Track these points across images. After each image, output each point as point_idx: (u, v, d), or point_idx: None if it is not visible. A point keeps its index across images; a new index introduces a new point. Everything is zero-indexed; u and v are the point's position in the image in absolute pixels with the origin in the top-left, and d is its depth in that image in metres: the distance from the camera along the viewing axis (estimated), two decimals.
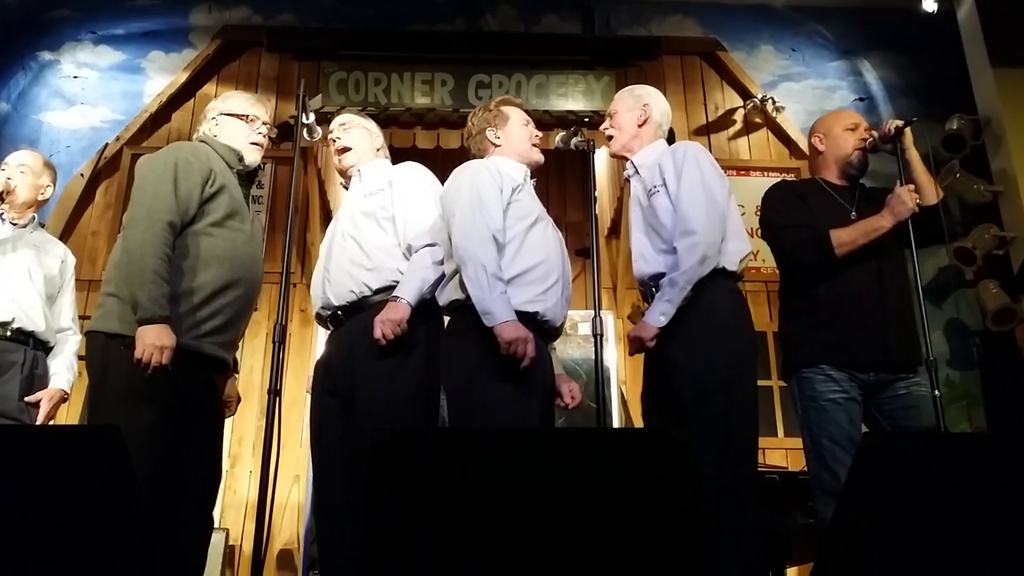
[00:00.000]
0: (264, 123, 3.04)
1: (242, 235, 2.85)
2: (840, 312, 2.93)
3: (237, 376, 3.02)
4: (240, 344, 3.00)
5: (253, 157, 2.99)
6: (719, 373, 2.64)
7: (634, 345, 2.79)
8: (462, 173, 2.89)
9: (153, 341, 2.49)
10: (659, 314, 2.72)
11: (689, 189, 2.79)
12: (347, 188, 3.27)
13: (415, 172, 3.13)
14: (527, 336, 2.58)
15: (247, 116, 3.00)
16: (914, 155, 3.00)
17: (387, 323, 2.75)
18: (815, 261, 2.98)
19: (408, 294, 2.82)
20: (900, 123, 2.99)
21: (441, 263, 2.90)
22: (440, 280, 2.90)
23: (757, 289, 5.61)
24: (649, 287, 2.91)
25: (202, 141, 2.96)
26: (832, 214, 3.02)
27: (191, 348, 2.65)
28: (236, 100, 3.06)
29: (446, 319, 2.96)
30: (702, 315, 2.70)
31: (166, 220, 2.65)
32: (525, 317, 2.68)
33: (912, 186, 2.93)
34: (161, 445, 2.56)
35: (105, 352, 2.62)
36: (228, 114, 2.99)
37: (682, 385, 2.68)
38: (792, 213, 3.08)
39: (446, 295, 2.85)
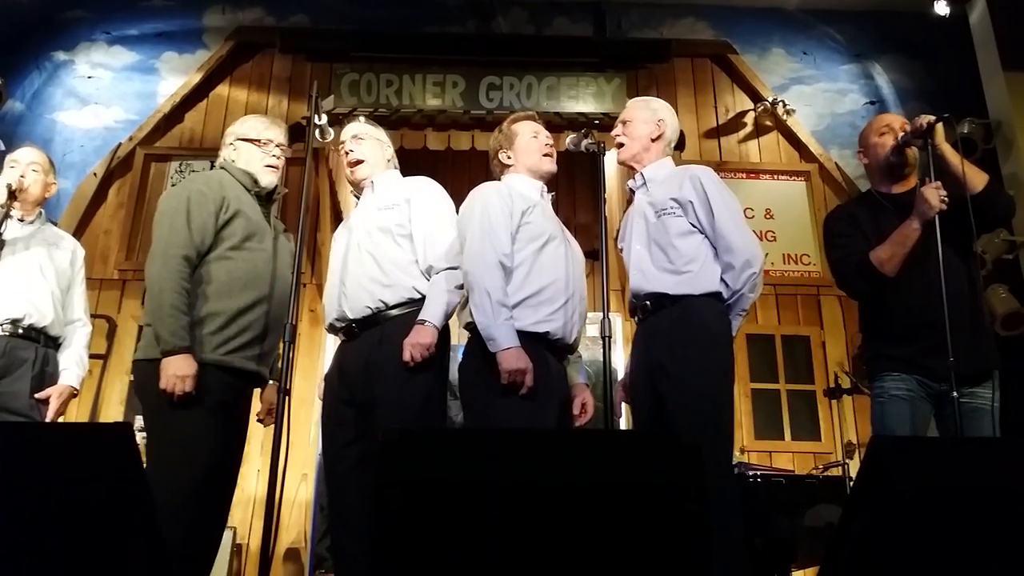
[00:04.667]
0: (278, 145, 3.13)
1: (262, 255, 2.96)
2: (910, 330, 2.94)
3: (273, 382, 3.07)
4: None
5: (268, 179, 3.09)
6: (708, 384, 2.70)
7: None
8: (475, 197, 2.96)
9: (175, 372, 2.65)
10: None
11: (730, 218, 2.87)
12: (358, 197, 3.28)
13: (432, 191, 3.15)
14: (526, 367, 2.66)
15: (260, 140, 3.10)
16: (947, 149, 2.93)
17: (417, 347, 2.81)
18: (867, 288, 3.03)
19: (434, 318, 2.87)
20: (932, 118, 2.93)
21: (461, 287, 2.95)
22: (459, 302, 2.98)
23: (766, 292, 5.61)
24: (643, 302, 2.92)
25: (222, 167, 3.08)
26: (888, 225, 3.00)
27: (222, 364, 2.79)
28: (250, 124, 3.16)
29: (454, 331, 3.03)
30: (695, 331, 2.76)
31: (181, 254, 2.78)
32: (535, 337, 2.76)
33: (938, 184, 2.88)
34: (211, 450, 2.73)
35: (150, 377, 2.74)
36: (243, 139, 3.10)
37: (670, 391, 2.73)
38: (845, 243, 3.11)
39: (465, 316, 2.93)
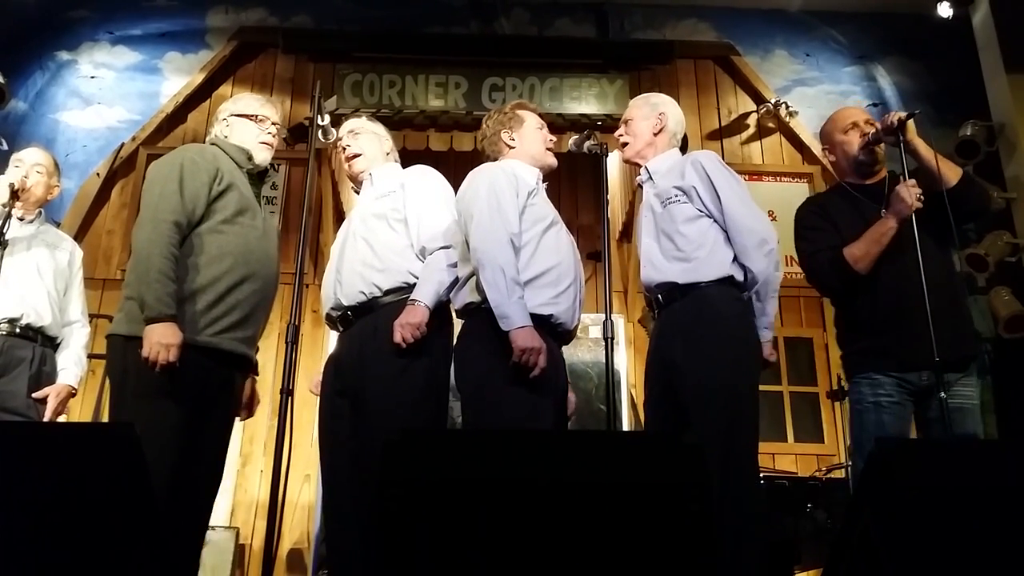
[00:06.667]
0: (274, 123, 3.06)
1: (254, 231, 2.88)
2: (881, 321, 2.91)
3: (256, 377, 3.04)
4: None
5: (263, 156, 3.02)
6: (722, 378, 2.64)
7: (771, 361, 2.87)
8: (479, 176, 2.90)
9: (159, 339, 2.52)
10: (765, 328, 2.81)
11: (737, 200, 2.85)
12: (358, 192, 3.28)
13: (426, 175, 3.14)
14: (541, 346, 2.59)
15: (257, 116, 3.03)
16: (920, 144, 2.92)
17: (407, 327, 2.75)
18: (839, 284, 3.01)
19: (425, 297, 2.82)
20: (903, 115, 2.91)
21: (455, 266, 2.91)
22: (455, 283, 2.91)
23: None
24: (656, 294, 2.91)
25: (213, 143, 3.00)
26: (859, 219, 2.99)
27: (210, 345, 2.69)
28: (246, 101, 3.10)
29: (457, 320, 2.97)
30: (708, 322, 2.72)
31: (171, 220, 2.68)
32: (539, 320, 2.69)
33: (912, 181, 2.87)
34: (179, 442, 2.60)
35: (124, 354, 2.65)
36: (239, 115, 3.03)
37: (685, 389, 2.69)
38: (815, 237, 3.08)
39: (461, 298, 2.86)
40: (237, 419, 2.98)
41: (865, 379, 2.92)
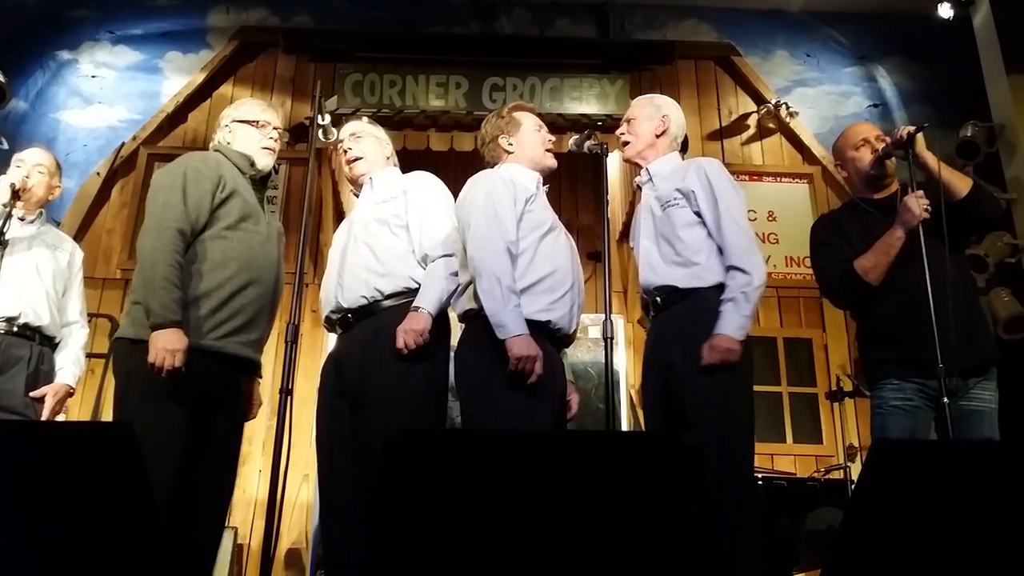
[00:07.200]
0: (276, 128, 3.08)
1: (257, 236, 2.90)
2: (900, 329, 2.95)
3: (259, 379, 3.05)
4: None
5: (265, 161, 3.04)
6: (720, 382, 2.66)
7: (728, 355, 2.68)
8: (476, 184, 2.91)
9: (164, 345, 2.55)
10: (739, 328, 2.69)
11: (730, 217, 2.82)
12: (357, 195, 3.29)
13: (429, 182, 3.16)
14: (536, 354, 2.62)
15: (258, 122, 3.05)
16: (930, 157, 2.97)
17: (410, 333, 2.78)
18: (852, 296, 3.05)
19: (428, 304, 2.85)
20: (912, 129, 2.97)
21: (456, 274, 2.93)
22: (456, 290, 2.93)
23: (768, 295, 5.60)
24: (654, 296, 2.92)
25: (216, 149, 3.02)
26: (871, 233, 3.02)
27: (214, 349, 2.71)
28: (248, 107, 3.12)
29: (455, 325, 3.00)
30: (706, 326, 2.72)
31: (176, 228, 2.71)
32: (537, 326, 2.72)
33: (919, 193, 2.91)
34: (182, 444, 2.62)
35: (129, 357, 2.68)
36: (240, 121, 3.05)
37: (683, 392, 2.71)
38: (828, 252, 3.13)
39: (461, 304, 2.89)
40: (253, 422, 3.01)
41: (887, 384, 2.96)
